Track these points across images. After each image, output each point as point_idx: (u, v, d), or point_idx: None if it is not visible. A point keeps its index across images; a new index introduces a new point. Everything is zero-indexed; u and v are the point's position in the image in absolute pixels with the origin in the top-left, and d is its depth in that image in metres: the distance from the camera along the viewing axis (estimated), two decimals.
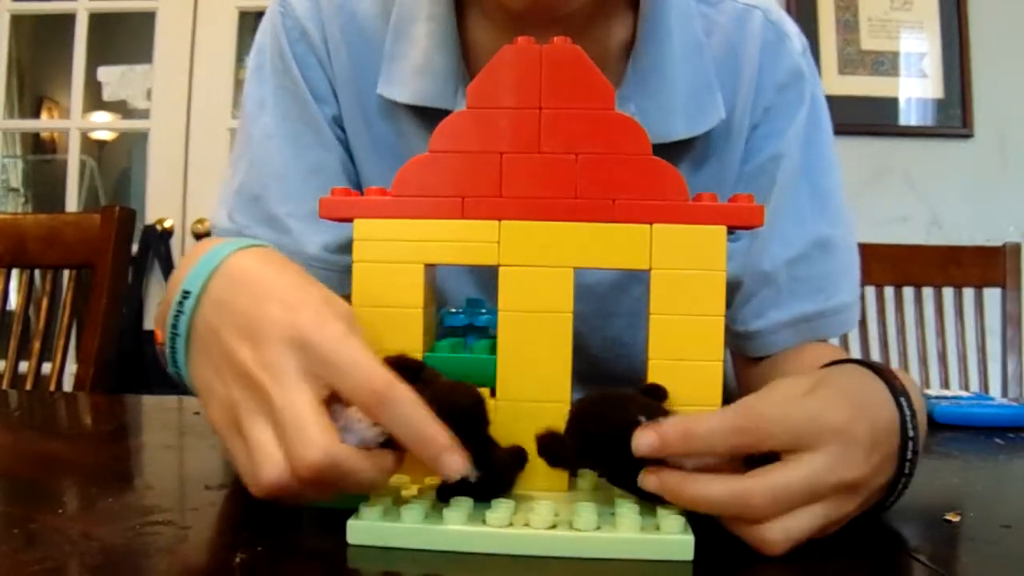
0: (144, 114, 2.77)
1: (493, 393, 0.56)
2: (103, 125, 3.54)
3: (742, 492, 0.47)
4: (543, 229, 0.55)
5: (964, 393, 0.99)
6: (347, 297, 0.85)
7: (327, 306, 0.50)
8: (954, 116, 2.47)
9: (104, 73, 3.07)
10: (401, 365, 0.50)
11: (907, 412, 0.52)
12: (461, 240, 0.55)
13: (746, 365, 0.90)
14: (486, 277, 0.85)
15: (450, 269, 0.84)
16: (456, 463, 0.46)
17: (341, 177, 0.84)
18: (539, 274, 0.55)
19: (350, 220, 0.57)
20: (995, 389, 1.64)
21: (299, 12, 0.84)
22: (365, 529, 0.48)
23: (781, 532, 0.47)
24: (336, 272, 0.81)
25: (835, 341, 0.93)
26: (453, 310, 0.61)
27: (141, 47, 2.73)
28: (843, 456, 0.48)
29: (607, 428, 0.49)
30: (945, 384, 1.65)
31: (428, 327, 0.58)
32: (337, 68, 0.84)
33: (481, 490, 0.51)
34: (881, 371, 0.54)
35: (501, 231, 0.55)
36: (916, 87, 2.49)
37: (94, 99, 3.06)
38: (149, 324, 2.60)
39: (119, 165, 4.31)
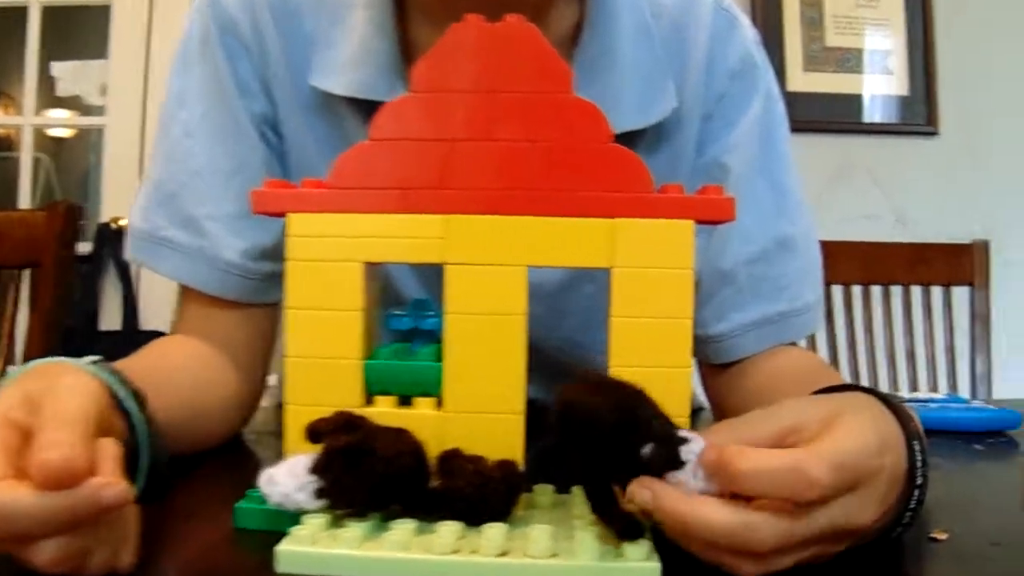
0: (99, 110, 2.71)
1: (439, 403, 0.51)
2: (56, 122, 3.46)
3: (752, 525, 0.41)
4: (493, 224, 0.50)
5: (936, 395, 0.96)
6: (272, 305, 0.79)
7: None
8: (919, 113, 2.46)
9: (58, 68, 3.00)
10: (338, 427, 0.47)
11: (918, 458, 0.47)
12: (404, 236, 0.51)
13: (713, 372, 0.85)
14: (433, 277, 0.80)
15: (395, 268, 0.79)
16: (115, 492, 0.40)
17: (263, 179, 0.78)
18: (489, 273, 0.50)
19: (282, 215, 0.52)
20: (964, 388, 1.62)
21: (229, 2, 0.78)
22: (296, 557, 0.44)
23: (763, 565, 0.42)
24: (255, 280, 0.77)
25: (802, 342, 0.89)
26: (397, 312, 0.56)
27: (96, 41, 2.67)
28: (861, 503, 0.43)
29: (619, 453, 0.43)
30: (914, 384, 1.63)
31: (370, 331, 0.53)
32: (271, 61, 0.78)
33: (474, 514, 0.46)
34: (895, 407, 0.49)
35: (447, 226, 0.50)
36: (881, 84, 2.47)
37: (50, 95, 2.99)
38: (103, 325, 2.56)
39: (77, 163, 4.22)
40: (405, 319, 0.56)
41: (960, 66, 2.45)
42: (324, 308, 0.51)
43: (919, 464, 0.47)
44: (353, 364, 0.51)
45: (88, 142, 3.94)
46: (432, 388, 0.51)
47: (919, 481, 0.47)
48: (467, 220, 0.50)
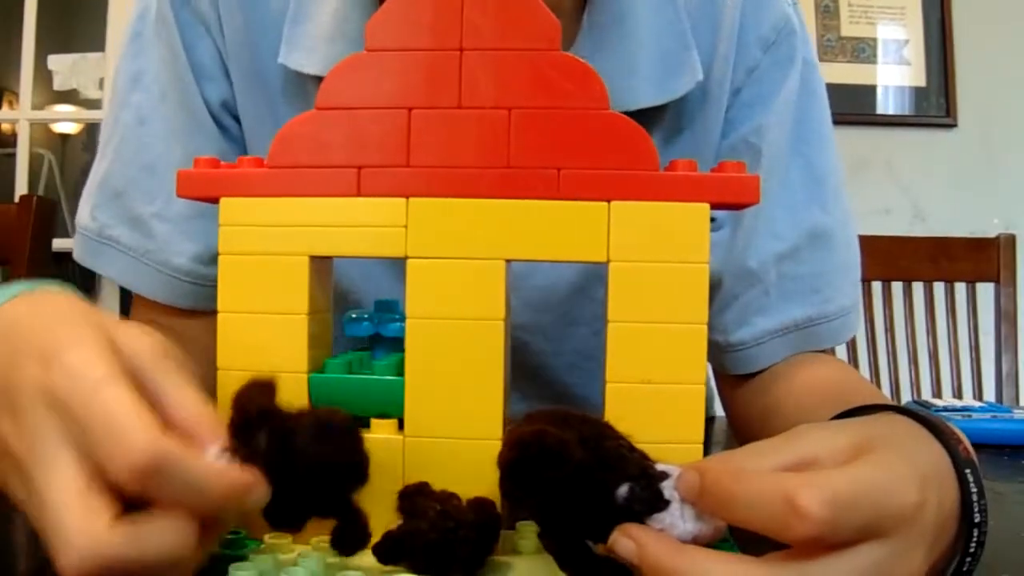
0: (97, 104, 2.66)
1: (401, 426, 0.42)
2: (55, 116, 3.41)
3: None
4: (465, 209, 0.41)
5: (975, 403, 0.87)
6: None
7: (92, 347, 0.36)
8: (937, 105, 2.42)
9: (54, 61, 2.97)
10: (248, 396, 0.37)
11: (972, 489, 0.39)
12: (357, 224, 0.42)
13: (731, 384, 0.75)
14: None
15: (358, 260, 0.70)
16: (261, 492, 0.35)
17: None
18: (460, 269, 0.41)
19: (213, 200, 0.43)
20: (989, 389, 1.56)
21: None
22: None
23: None
24: (209, 287, 0.67)
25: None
26: (355, 315, 0.47)
27: (93, 34, 2.63)
28: (898, 552, 0.34)
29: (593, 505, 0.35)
30: (936, 385, 1.55)
31: (320, 338, 0.44)
32: (230, 37, 0.70)
33: (438, 566, 0.37)
34: (939, 430, 0.41)
35: (409, 212, 0.42)
36: (897, 75, 2.42)
37: (49, 90, 2.95)
38: None
39: (82, 160, 4.19)
40: (365, 323, 0.47)
41: (978, 56, 2.40)
42: (263, 311, 0.43)
43: (974, 495, 0.39)
44: (297, 378, 0.43)
45: (93, 138, 3.89)
46: (392, 407, 0.42)
47: (976, 518, 0.39)
48: (433, 204, 0.41)
